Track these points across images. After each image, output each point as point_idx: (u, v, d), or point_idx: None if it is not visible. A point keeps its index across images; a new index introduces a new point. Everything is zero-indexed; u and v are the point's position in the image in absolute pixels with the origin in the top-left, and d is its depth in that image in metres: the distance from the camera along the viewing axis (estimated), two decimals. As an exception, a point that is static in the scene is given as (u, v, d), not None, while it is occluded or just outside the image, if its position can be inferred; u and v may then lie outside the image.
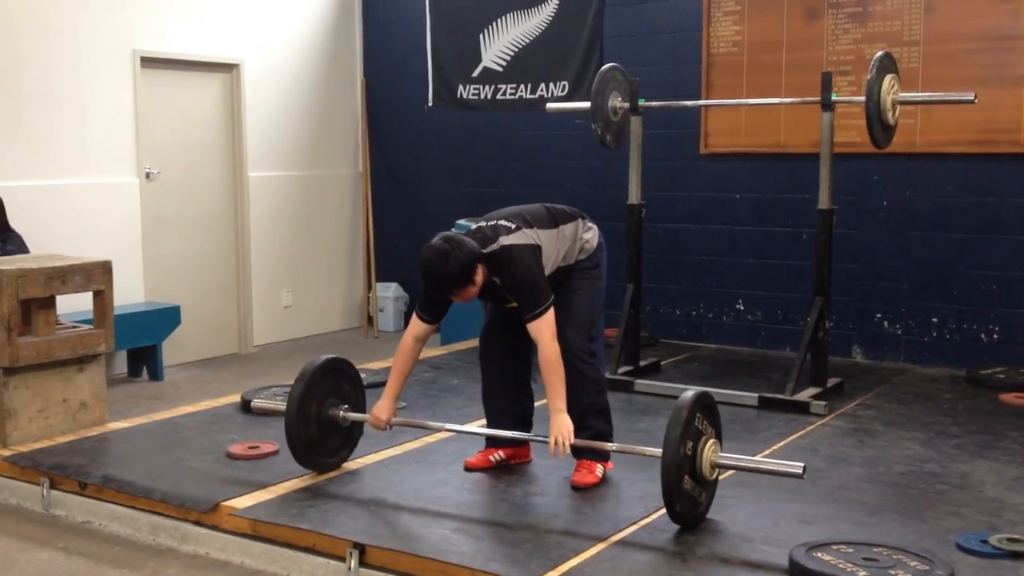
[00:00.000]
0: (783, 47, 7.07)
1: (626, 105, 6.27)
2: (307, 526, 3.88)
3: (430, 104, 8.51)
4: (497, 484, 4.39)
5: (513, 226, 4.20)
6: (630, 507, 4.11)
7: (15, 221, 6.37)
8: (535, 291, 4.10)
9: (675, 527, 3.85)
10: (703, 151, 7.44)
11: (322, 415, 4.43)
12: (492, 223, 4.25)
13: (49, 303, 5.13)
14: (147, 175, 7.30)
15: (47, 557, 4.08)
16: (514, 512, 4.07)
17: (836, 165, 5.87)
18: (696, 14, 7.36)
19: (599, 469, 4.40)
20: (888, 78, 5.49)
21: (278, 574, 3.88)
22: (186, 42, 7.52)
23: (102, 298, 5.31)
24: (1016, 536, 3.72)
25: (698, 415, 3.86)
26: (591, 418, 4.35)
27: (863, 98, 5.43)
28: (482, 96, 8.24)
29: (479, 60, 8.22)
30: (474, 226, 4.31)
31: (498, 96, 8.17)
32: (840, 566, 3.41)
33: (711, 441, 3.90)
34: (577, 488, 4.31)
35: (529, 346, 4.45)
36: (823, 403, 5.60)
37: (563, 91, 7.87)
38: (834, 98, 5.73)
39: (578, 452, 4.34)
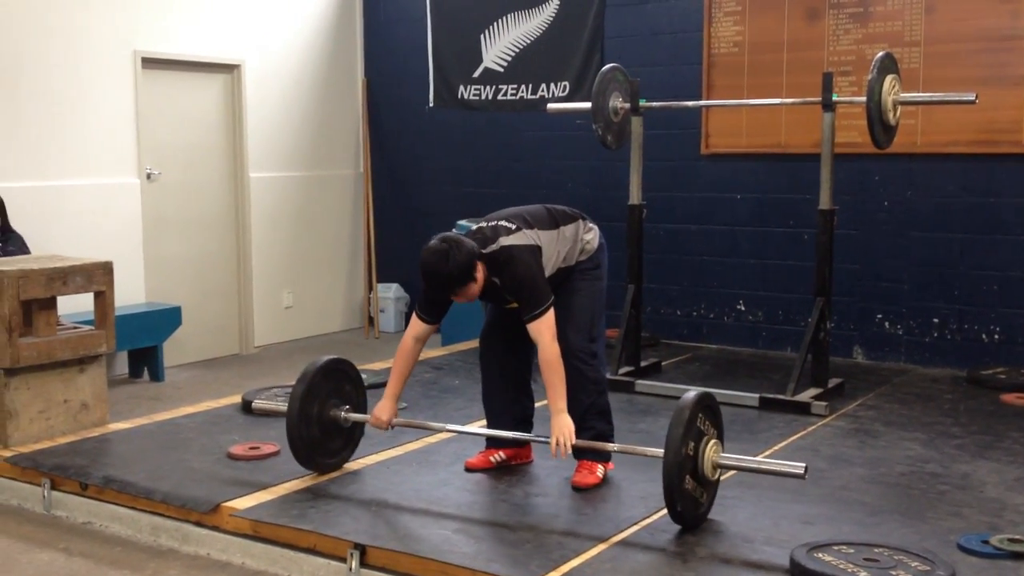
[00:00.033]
0: (784, 47, 7.07)
1: (627, 105, 6.27)
2: (308, 527, 3.88)
3: (431, 104, 8.51)
4: (498, 485, 4.39)
5: (513, 227, 4.20)
6: (631, 508, 4.11)
7: (16, 222, 6.37)
8: (535, 292, 4.10)
9: (676, 527, 3.85)
10: (704, 151, 7.44)
11: (323, 416, 4.43)
12: (492, 224, 4.25)
13: (50, 304, 5.13)
14: (148, 176, 7.30)
15: (48, 558, 4.08)
16: (515, 513, 4.07)
17: (837, 165, 5.87)
18: (697, 14, 7.36)
19: (600, 470, 4.40)
20: (889, 78, 5.49)
21: (279, 575, 3.88)
22: (187, 43, 7.52)
23: (103, 299, 5.31)
24: (1017, 537, 3.71)
25: (700, 415, 3.86)
26: (592, 419, 4.35)
27: (864, 98, 5.43)
28: (483, 96, 8.24)
29: (480, 60, 8.22)
30: (474, 227, 4.32)
31: (499, 96, 8.17)
32: (841, 567, 3.41)
33: (713, 441, 3.90)
34: (578, 489, 4.31)
35: (529, 347, 4.45)
36: (824, 404, 5.60)
37: (564, 91, 7.87)
38: (835, 98, 5.72)
39: (579, 453, 4.34)
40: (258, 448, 4.78)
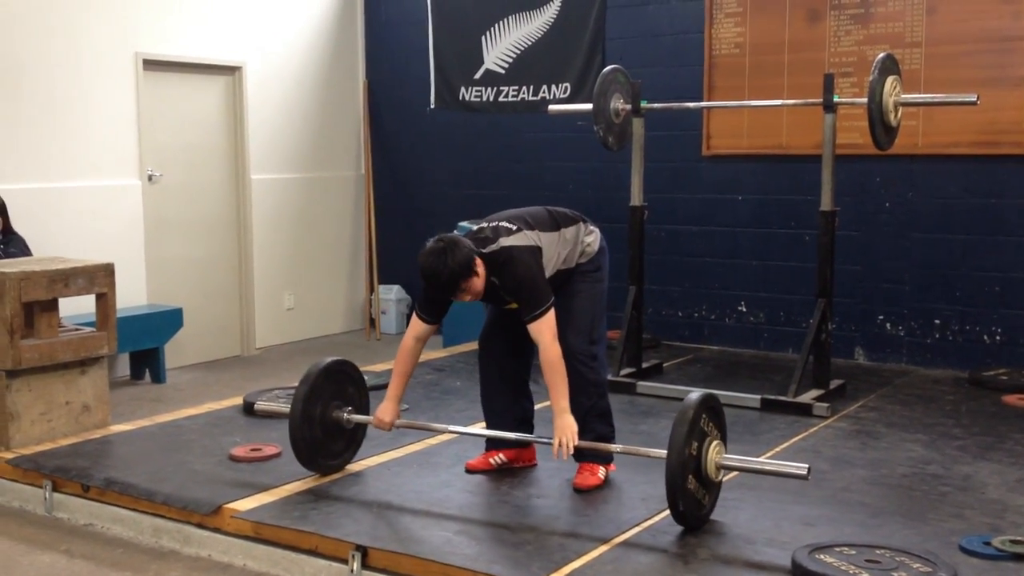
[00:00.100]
0: (785, 49, 7.07)
1: (628, 107, 6.27)
2: (309, 528, 3.88)
3: (432, 106, 8.51)
4: (499, 486, 4.39)
5: (514, 227, 4.20)
6: (632, 509, 4.11)
7: (17, 223, 6.37)
8: (535, 292, 4.09)
9: (678, 529, 3.85)
10: (705, 153, 7.44)
11: (326, 417, 4.43)
12: (493, 224, 4.25)
13: (52, 306, 5.13)
14: (149, 177, 7.31)
15: (49, 560, 4.08)
16: (516, 514, 4.07)
17: (838, 167, 5.86)
18: (698, 16, 7.36)
19: (601, 471, 4.40)
20: (890, 80, 5.49)
21: (280, 576, 3.88)
22: (188, 44, 7.53)
23: (104, 301, 5.31)
24: (1019, 538, 3.71)
25: (704, 416, 3.86)
26: (593, 421, 4.34)
27: (865, 100, 5.43)
28: (484, 98, 8.24)
29: (481, 62, 8.23)
30: (475, 227, 4.32)
31: (500, 98, 8.18)
32: (843, 568, 3.41)
33: (715, 442, 3.90)
34: (579, 490, 4.31)
35: (529, 348, 4.45)
36: (826, 405, 5.60)
37: (565, 93, 7.88)
38: (836, 100, 5.72)
39: (580, 455, 4.33)
40: (260, 450, 4.78)
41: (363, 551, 3.71)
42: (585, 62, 7.75)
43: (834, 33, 6.91)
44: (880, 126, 5.49)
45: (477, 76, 8.25)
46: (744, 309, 7.42)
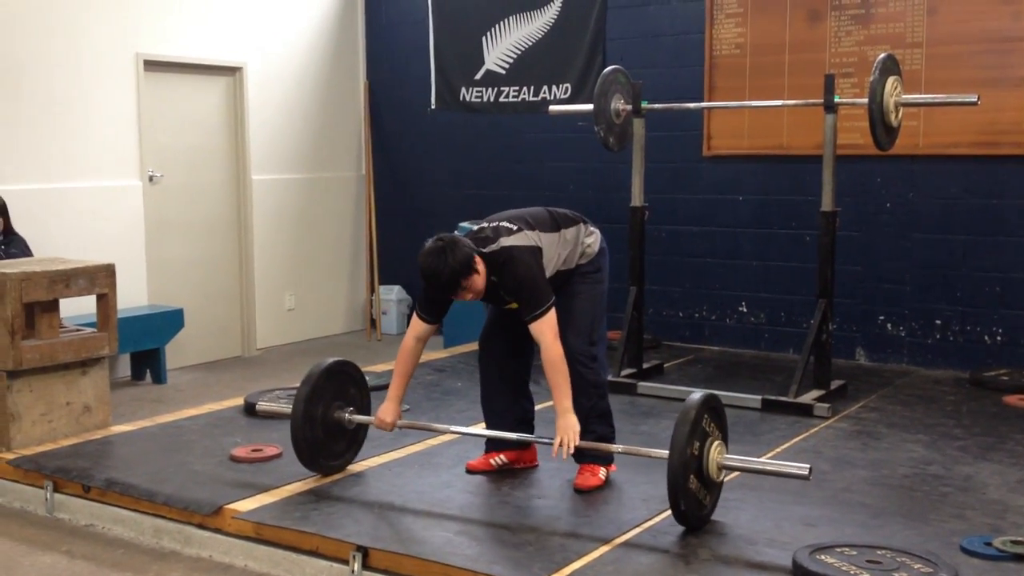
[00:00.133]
0: (786, 49, 7.07)
1: (629, 107, 6.27)
2: (310, 529, 3.88)
3: (433, 107, 8.51)
4: (500, 487, 4.39)
5: (515, 228, 4.20)
6: (633, 510, 4.11)
7: (18, 224, 6.37)
8: (535, 291, 4.09)
9: (678, 529, 3.85)
10: (706, 153, 7.44)
11: (328, 417, 4.43)
12: (494, 224, 4.25)
13: (52, 306, 5.13)
14: (150, 178, 7.31)
15: (50, 561, 4.08)
16: (517, 515, 4.07)
17: (839, 167, 5.86)
18: (699, 16, 7.36)
19: (602, 472, 4.40)
20: (891, 80, 5.49)
21: (281, 577, 3.88)
22: (189, 45, 7.53)
23: (105, 301, 5.31)
24: (1020, 538, 3.71)
25: (706, 416, 3.87)
26: (593, 422, 4.34)
27: (866, 100, 5.43)
28: (485, 99, 8.25)
29: (482, 63, 8.23)
30: (476, 227, 4.32)
31: (501, 99, 8.18)
32: (844, 569, 3.41)
33: (717, 443, 3.91)
34: (580, 491, 4.31)
35: (529, 349, 4.46)
36: (826, 405, 5.60)
37: (566, 93, 7.88)
38: (837, 100, 5.72)
39: (580, 456, 4.34)
40: (260, 450, 4.78)
41: (364, 552, 3.71)
42: (586, 62, 7.75)
43: (835, 34, 6.91)
44: (881, 126, 5.49)
45: (478, 76, 8.25)
46: (745, 309, 7.42)
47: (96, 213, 6.96)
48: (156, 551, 4.16)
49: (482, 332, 4.58)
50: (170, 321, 7.09)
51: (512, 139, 8.32)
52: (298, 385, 4.46)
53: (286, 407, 4.53)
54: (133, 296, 7.06)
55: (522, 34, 8.05)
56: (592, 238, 4.47)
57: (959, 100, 5.61)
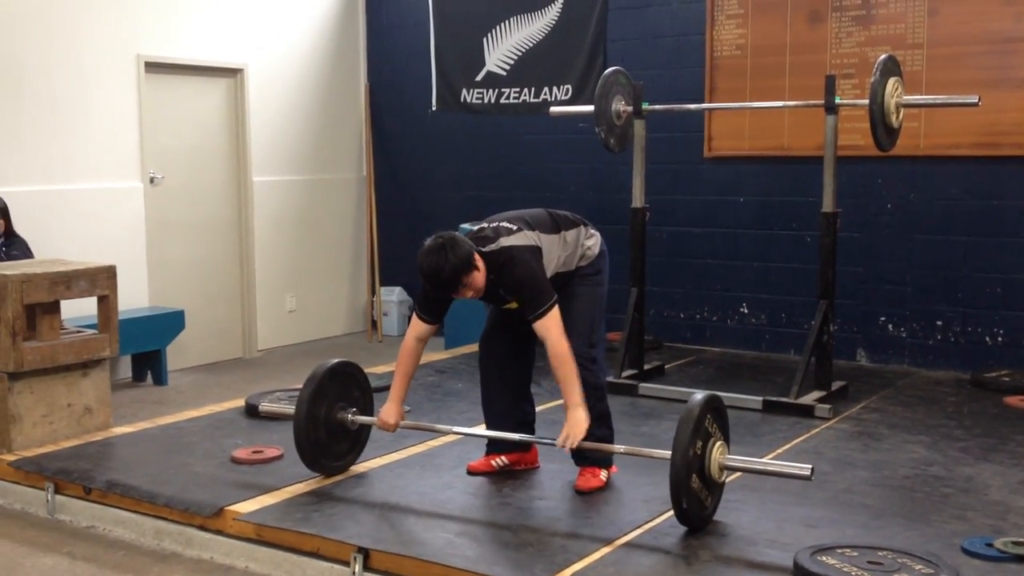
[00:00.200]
0: (787, 50, 7.07)
1: (630, 108, 6.27)
2: (311, 530, 3.88)
3: (434, 108, 8.51)
4: (501, 488, 4.38)
5: (514, 228, 4.20)
6: (634, 511, 4.11)
7: (19, 226, 6.38)
8: (536, 290, 4.08)
9: (680, 530, 3.85)
10: (707, 154, 7.44)
11: (330, 418, 4.43)
12: (494, 225, 4.25)
13: (54, 308, 5.13)
14: (151, 180, 7.31)
15: (51, 562, 4.08)
16: (518, 516, 4.07)
17: (840, 168, 5.86)
18: (699, 17, 7.36)
19: (603, 474, 4.40)
20: (892, 81, 5.49)
21: (282, 578, 3.88)
22: (190, 47, 7.53)
23: (106, 303, 5.31)
24: (1021, 539, 3.71)
25: (708, 416, 3.87)
26: (592, 424, 4.30)
27: (867, 101, 5.43)
28: (486, 100, 8.25)
29: (483, 64, 8.23)
30: (476, 228, 4.31)
31: (502, 100, 8.18)
32: (845, 570, 3.41)
33: (719, 443, 3.91)
34: (581, 492, 4.31)
35: (530, 349, 4.46)
36: (827, 406, 5.59)
37: (567, 95, 7.87)
38: (838, 101, 5.72)
39: (581, 459, 4.34)
40: (261, 452, 4.78)
41: (365, 553, 3.71)
42: (587, 64, 7.75)
43: (835, 35, 6.91)
44: (882, 127, 5.49)
45: (479, 78, 8.25)
46: (746, 311, 7.42)
47: (97, 214, 6.96)
48: (157, 553, 4.16)
49: (482, 333, 4.58)
50: (171, 322, 7.09)
51: (513, 140, 8.32)
52: (299, 387, 4.46)
53: (289, 408, 4.53)
54: (134, 297, 7.06)
55: (523, 35, 8.05)
56: (592, 240, 4.47)
57: (960, 101, 5.61)
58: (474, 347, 5.13)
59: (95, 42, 6.93)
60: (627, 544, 3.78)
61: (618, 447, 4.24)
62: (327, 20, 8.66)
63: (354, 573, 3.70)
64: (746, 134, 7.27)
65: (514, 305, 4.21)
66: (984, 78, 6.40)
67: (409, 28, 8.69)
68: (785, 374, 6.38)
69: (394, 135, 8.96)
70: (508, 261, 4.09)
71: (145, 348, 6.94)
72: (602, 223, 4.88)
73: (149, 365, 7.07)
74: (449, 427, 4.65)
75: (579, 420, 4.01)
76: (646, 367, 6.49)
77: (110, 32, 7.01)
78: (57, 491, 4.55)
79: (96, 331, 5.34)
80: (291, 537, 3.91)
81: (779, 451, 4.95)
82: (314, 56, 8.55)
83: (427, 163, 8.82)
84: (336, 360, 4.53)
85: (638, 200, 6.37)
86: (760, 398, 5.74)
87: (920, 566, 3.46)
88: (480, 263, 4.05)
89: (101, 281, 5.28)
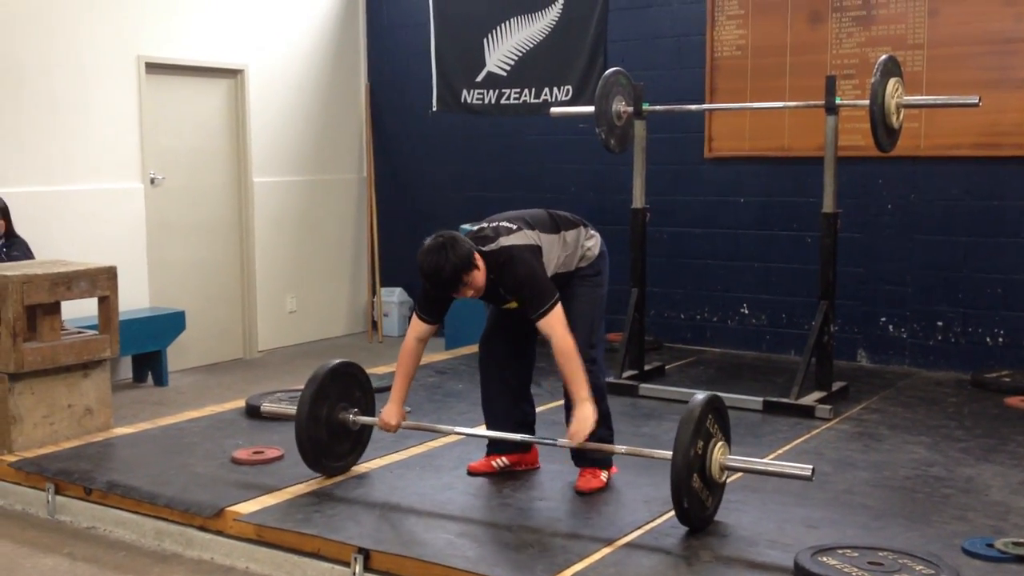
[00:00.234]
0: (787, 51, 7.07)
1: (630, 109, 6.27)
2: (312, 531, 3.88)
3: (434, 109, 8.51)
4: (502, 489, 4.38)
5: (514, 227, 4.20)
6: (634, 511, 4.11)
7: (20, 227, 6.38)
8: (538, 289, 4.08)
9: (680, 531, 3.85)
10: (707, 155, 7.44)
11: (332, 418, 4.44)
12: (494, 224, 4.25)
13: (54, 309, 5.14)
14: (152, 180, 7.31)
15: (52, 563, 4.08)
16: (518, 517, 4.07)
17: (840, 169, 5.86)
18: (700, 18, 7.36)
19: (603, 475, 4.40)
20: (892, 82, 5.49)
21: (283, 579, 3.88)
22: (190, 47, 7.53)
23: (107, 304, 5.31)
24: (1022, 540, 3.71)
25: (709, 417, 3.87)
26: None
27: (867, 102, 5.43)
28: (486, 101, 8.25)
29: (483, 65, 8.23)
30: (476, 227, 4.31)
31: (502, 101, 8.18)
32: (845, 570, 3.41)
33: (720, 443, 3.91)
34: (581, 493, 4.31)
35: (530, 350, 4.46)
36: (828, 407, 5.59)
37: (567, 95, 7.87)
38: (838, 102, 5.72)
39: (581, 460, 4.34)
40: (262, 452, 4.78)
41: (365, 554, 3.71)
42: (587, 64, 7.75)
43: (836, 35, 6.91)
44: (882, 128, 5.49)
45: (479, 79, 8.25)
46: (746, 311, 7.42)
47: (97, 215, 6.96)
48: (158, 553, 4.16)
49: (482, 334, 4.57)
50: (171, 323, 7.09)
51: (513, 141, 8.32)
52: (300, 387, 4.46)
53: (291, 408, 4.53)
54: (134, 298, 7.06)
55: (523, 36, 8.05)
56: (592, 241, 4.47)
57: (960, 102, 5.61)
58: (474, 347, 5.14)
59: (95, 42, 6.93)
60: (628, 544, 3.78)
61: (619, 447, 4.24)
62: (327, 21, 8.66)
63: (354, 574, 3.70)
64: (746, 135, 7.27)
65: (514, 305, 4.21)
66: (984, 78, 6.40)
67: (409, 28, 8.70)
68: (786, 375, 6.38)
69: (394, 136, 8.97)
70: (508, 260, 4.09)
71: (146, 349, 6.94)
72: (602, 224, 4.88)
73: (150, 366, 7.07)
74: (450, 428, 4.65)
75: (587, 415, 3.99)
76: (647, 368, 6.49)
77: (110, 32, 7.01)
78: (58, 492, 4.55)
79: (97, 332, 5.34)
80: (292, 538, 3.91)
81: (780, 452, 4.95)
82: (314, 57, 8.55)
83: (427, 164, 8.82)
84: (338, 360, 4.53)
85: (638, 201, 6.37)
86: (761, 399, 5.74)
87: (921, 567, 3.46)
88: (480, 262, 4.05)
89: (102, 282, 5.28)
